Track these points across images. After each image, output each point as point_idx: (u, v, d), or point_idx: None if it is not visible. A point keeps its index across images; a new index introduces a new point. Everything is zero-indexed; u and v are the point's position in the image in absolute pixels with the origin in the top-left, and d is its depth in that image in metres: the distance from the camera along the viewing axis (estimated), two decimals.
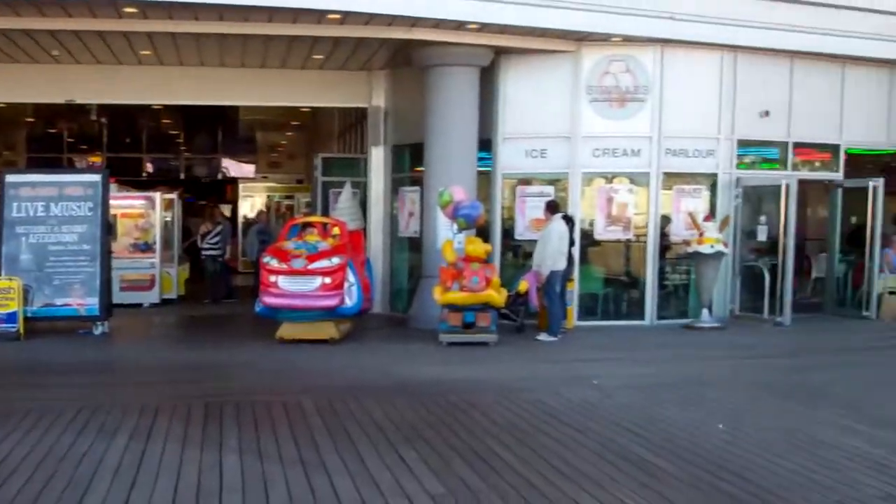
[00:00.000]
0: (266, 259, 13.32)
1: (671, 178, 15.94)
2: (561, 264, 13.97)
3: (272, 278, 13.05)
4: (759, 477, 6.64)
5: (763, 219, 16.50)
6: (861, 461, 7.07)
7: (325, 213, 17.21)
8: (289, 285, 13.00)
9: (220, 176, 33.65)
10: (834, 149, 17.32)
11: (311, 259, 13.14)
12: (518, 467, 6.91)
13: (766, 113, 16.33)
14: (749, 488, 6.38)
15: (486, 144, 15.65)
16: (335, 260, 13.17)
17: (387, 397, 9.46)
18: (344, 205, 16.64)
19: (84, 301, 14.18)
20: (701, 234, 15.01)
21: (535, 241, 15.42)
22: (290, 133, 31.65)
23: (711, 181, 16.18)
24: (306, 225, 14.68)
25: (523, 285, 14.12)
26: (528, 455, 7.26)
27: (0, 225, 14.24)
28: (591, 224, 15.70)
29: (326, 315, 13.16)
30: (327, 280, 13.00)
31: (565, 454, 7.30)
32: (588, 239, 15.62)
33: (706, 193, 16.16)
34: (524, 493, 6.29)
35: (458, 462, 7.06)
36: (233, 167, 33.70)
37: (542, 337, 13.85)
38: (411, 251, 17.02)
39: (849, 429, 8.17)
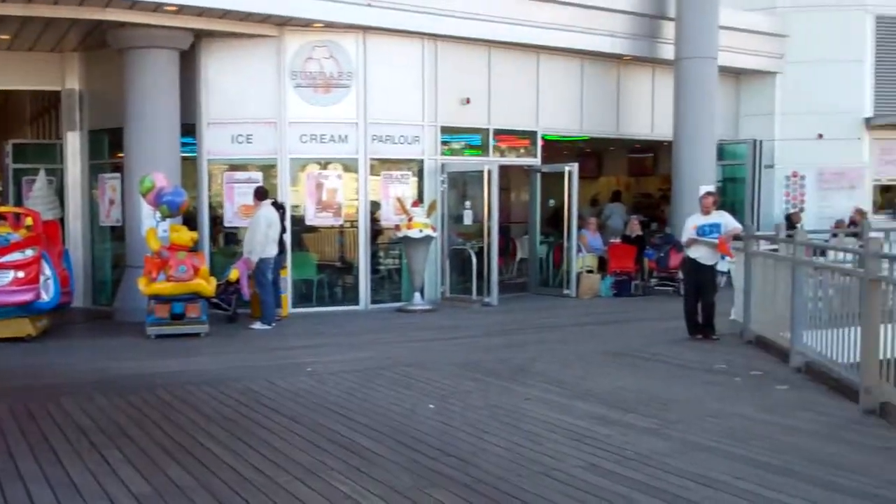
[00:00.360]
0: None
1: (379, 164, 16.15)
2: (271, 251, 13.81)
3: None
4: (469, 455, 6.82)
5: (468, 203, 17.06)
6: (564, 433, 7.41)
7: (18, 202, 16.12)
8: None
9: None
10: (532, 135, 18.18)
11: (3, 252, 12.29)
12: (230, 461, 6.75)
13: (467, 100, 16.87)
14: (459, 466, 6.53)
15: (190, 129, 15.21)
16: (28, 252, 12.41)
17: (89, 396, 8.98)
18: (38, 193, 15.72)
19: None
20: (410, 219, 15.30)
21: (245, 229, 15.22)
22: None
23: (418, 167, 16.53)
24: None
25: (234, 273, 13.86)
26: (240, 448, 7.11)
27: None
28: (302, 210, 15.60)
29: (21, 311, 12.33)
30: (20, 274, 12.20)
31: (278, 444, 7.20)
32: (300, 225, 15.55)
33: (413, 179, 16.50)
34: (236, 487, 6.15)
35: (165, 460, 6.81)
36: None
37: (256, 326, 13.65)
38: (114, 240, 16.28)
39: (552, 403, 8.54)
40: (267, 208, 14.00)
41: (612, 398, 8.72)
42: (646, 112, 20.29)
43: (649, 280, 17.86)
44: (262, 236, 13.67)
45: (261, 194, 14.23)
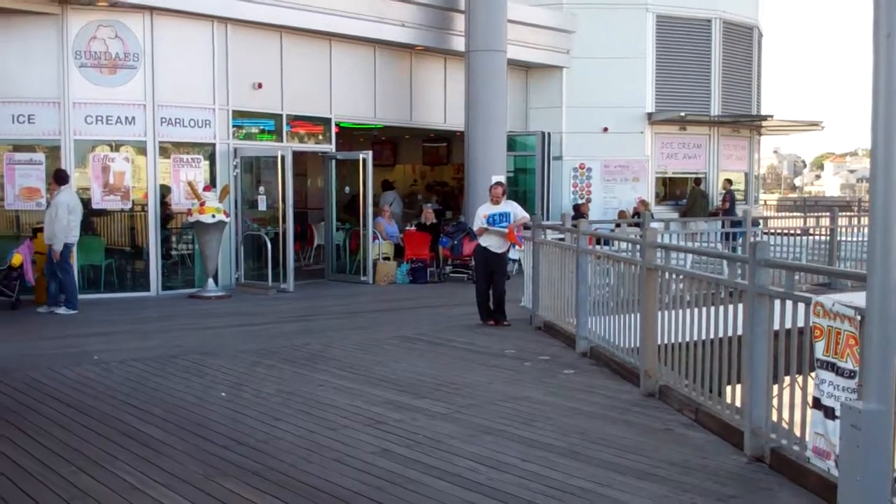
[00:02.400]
0: None
1: (171, 147, 15.76)
2: (74, 236, 13.40)
3: None
4: (262, 443, 6.79)
5: (262, 189, 16.89)
6: (358, 419, 7.47)
7: None
8: None
9: None
10: (326, 122, 18.18)
11: None
12: (9, 452, 6.49)
13: (259, 85, 16.72)
14: (250, 454, 6.50)
15: None
16: None
17: None
18: None
19: None
20: (202, 204, 15.01)
21: (27, 211, 14.65)
22: None
23: (209, 151, 16.23)
24: None
25: (17, 258, 13.30)
26: (19, 438, 6.84)
27: None
28: (87, 193, 15.05)
29: None
30: None
31: (61, 434, 6.97)
32: (86, 209, 14.99)
33: (205, 163, 16.20)
34: (15, 478, 5.92)
35: None
36: None
37: (61, 311, 13.27)
38: None
39: (346, 389, 8.60)
40: (67, 193, 13.46)
41: (406, 383, 8.86)
42: (438, 102, 20.64)
43: (444, 267, 18.19)
44: (66, 222, 13.14)
45: (61, 178, 13.64)
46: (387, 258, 18.25)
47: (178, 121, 15.69)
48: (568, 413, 7.76)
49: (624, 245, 10.96)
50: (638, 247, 9.10)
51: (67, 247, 13.33)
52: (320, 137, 18.25)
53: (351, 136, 21.91)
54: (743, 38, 24.57)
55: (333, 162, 18.42)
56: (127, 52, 15.13)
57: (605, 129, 22.35)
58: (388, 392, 8.48)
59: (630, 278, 9.18)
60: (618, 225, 19.24)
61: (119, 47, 15.10)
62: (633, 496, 5.68)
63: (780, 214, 30.41)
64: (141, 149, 15.45)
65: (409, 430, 7.12)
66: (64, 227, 13.21)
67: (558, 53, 22.16)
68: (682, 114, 22.58)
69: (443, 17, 19.39)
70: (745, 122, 24.88)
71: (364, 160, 17.82)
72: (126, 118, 15.20)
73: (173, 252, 16.19)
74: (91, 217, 15.15)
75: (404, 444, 6.77)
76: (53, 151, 14.91)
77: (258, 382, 8.87)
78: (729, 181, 23.62)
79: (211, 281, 15.34)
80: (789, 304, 6.09)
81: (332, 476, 6.02)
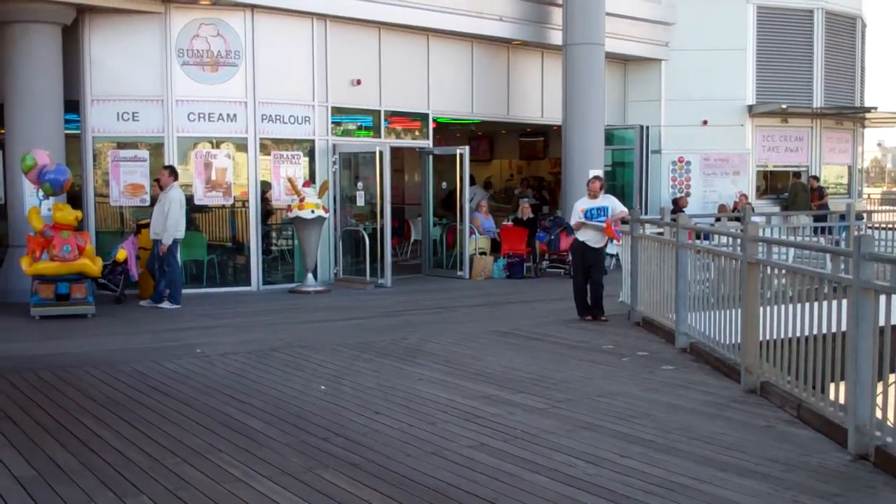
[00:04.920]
0: None
1: (270, 144, 16.00)
2: (182, 232, 13.69)
3: None
4: (361, 436, 6.83)
5: (360, 184, 17.04)
6: (455, 413, 7.48)
7: None
8: None
9: None
10: (423, 117, 18.24)
11: None
12: (116, 444, 6.65)
13: (358, 81, 16.84)
14: (349, 446, 6.55)
15: (74, 106, 14.84)
16: None
17: None
18: None
19: None
20: (301, 200, 15.20)
21: (131, 207, 15.02)
22: None
23: (309, 147, 16.43)
24: None
25: (121, 253, 13.62)
26: (126, 430, 7.01)
27: None
28: (191, 189, 15.35)
29: None
30: None
31: (167, 426, 7.12)
32: (189, 205, 15.29)
33: (304, 159, 16.39)
34: (122, 469, 6.07)
35: (49, 442, 6.67)
36: None
37: (165, 305, 13.56)
38: None
39: (443, 383, 8.62)
40: (177, 189, 13.79)
41: (502, 378, 8.84)
42: (535, 96, 20.54)
43: (541, 262, 18.10)
44: (177, 217, 13.47)
45: (172, 174, 13.95)
46: (483, 253, 18.24)
47: (278, 118, 15.92)
48: (667, 409, 7.66)
49: (724, 239, 10.76)
50: (739, 241, 8.93)
51: (175, 242, 13.62)
52: (417, 133, 18.33)
53: (447, 131, 21.96)
54: (846, 29, 23.91)
55: (430, 157, 18.48)
56: (228, 50, 15.41)
57: (705, 122, 21.98)
58: (485, 387, 8.47)
59: (731, 273, 9.01)
60: (717, 219, 18.91)
61: (221, 45, 15.38)
62: (736, 493, 5.58)
63: (884, 208, 29.55)
64: (242, 145, 15.72)
65: (506, 425, 7.10)
66: (175, 222, 13.49)
67: (657, 46, 21.86)
68: (784, 106, 22.07)
69: (540, 10, 19.29)
70: (849, 115, 24.22)
71: (461, 155, 17.82)
72: (228, 115, 15.48)
73: (273, 247, 16.43)
74: (193, 213, 15.45)
75: (501, 438, 6.76)
76: (157, 148, 15.25)
77: (357, 376, 8.95)
78: (815, 178, 23.02)
79: (310, 276, 15.54)
80: (895, 298, 5.92)
81: (430, 469, 6.03)
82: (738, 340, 8.57)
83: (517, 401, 7.91)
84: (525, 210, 19.41)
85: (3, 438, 6.73)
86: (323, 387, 8.46)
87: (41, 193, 12.73)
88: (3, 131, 14.69)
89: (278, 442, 6.70)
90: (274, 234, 16.43)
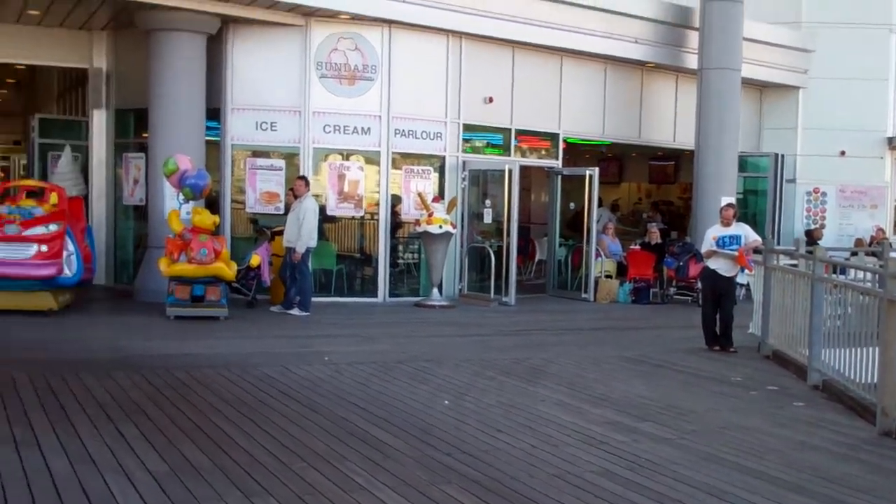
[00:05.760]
0: None
1: (401, 158, 16.19)
2: (314, 241, 13.97)
3: None
4: (483, 453, 6.83)
5: (488, 202, 17.09)
6: (579, 437, 7.41)
7: (44, 177, 16.22)
8: (1, 253, 12.16)
9: None
10: (553, 137, 18.22)
11: (26, 225, 12.42)
12: (244, 444, 6.80)
13: (490, 99, 16.92)
14: (472, 463, 6.56)
15: (215, 114, 15.32)
16: (52, 227, 12.52)
17: (108, 372, 9.06)
18: (64, 169, 15.76)
19: None
20: (430, 215, 15.33)
21: (267, 215, 15.35)
22: (4, 91, 29.57)
23: (439, 163, 16.57)
24: (23, 190, 13.82)
25: (255, 259, 13.98)
26: (255, 431, 7.16)
27: None
28: (323, 200, 15.64)
29: (44, 285, 12.46)
30: (44, 248, 12.31)
31: (293, 430, 7.25)
32: (321, 215, 15.60)
33: (435, 175, 16.54)
34: (250, 470, 6.19)
35: (181, 439, 6.86)
36: None
37: (294, 312, 13.83)
38: (137, 220, 16.39)
39: (567, 405, 8.56)
40: (311, 199, 14.11)
41: (627, 404, 8.74)
42: (668, 120, 20.30)
43: (668, 288, 17.83)
44: (311, 226, 13.77)
45: (307, 184, 14.25)
46: (609, 276, 18.08)
47: (410, 132, 16.12)
48: (797, 447, 7.44)
49: (861, 275, 10.43)
50: (878, 278, 8.64)
51: (308, 250, 13.90)
52: (543, 152, 18.30)
53: (576, 151, 21.87)
54: None
55: (559, 177, 18.42)
56: (365, 64, 15.68)
57: (842, 153, 21.34)
58: (610, 412, 8.39)
59: (869, 310, 8.72)
60: (854, 253, 18.32)
61: (358, 59, 15.66)
62: None
63: None
64: (374, 159, 15.95)
65: (631, 452, 7.00)
66: (309, 231, 13.77)
67: (795, 73, 21.35)
68: None
69: (676, 33, 19.06)
70: None
71: (590, 177, 17.71)
72: (362, 128, 15.74)
73: (400, 260, 16.61)
74: (324, 223, 15.74)
75: (626, 465, 6.67)
76: (292, 158, 15.61)
77: (480, 393, 8.96)
78: None
79: (436, 290, 15.65)
80: None
81: (553, 492, 5.99)
82: (875, 380, 8.28)
83: (642, 428, 7.80)
84: (653, 235, 19.16)
85: (139, 433, 6.96)
86: (447, 402, 8.50)
87: (181, 197, 13.16)
88: (147, 136, 15.24)
89: (402, 453, 6.75)
90: (401, 248, 16.61)
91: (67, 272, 12.57)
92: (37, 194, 13.64)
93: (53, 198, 13.25)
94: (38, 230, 12.40)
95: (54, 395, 8.11)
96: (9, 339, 10.99)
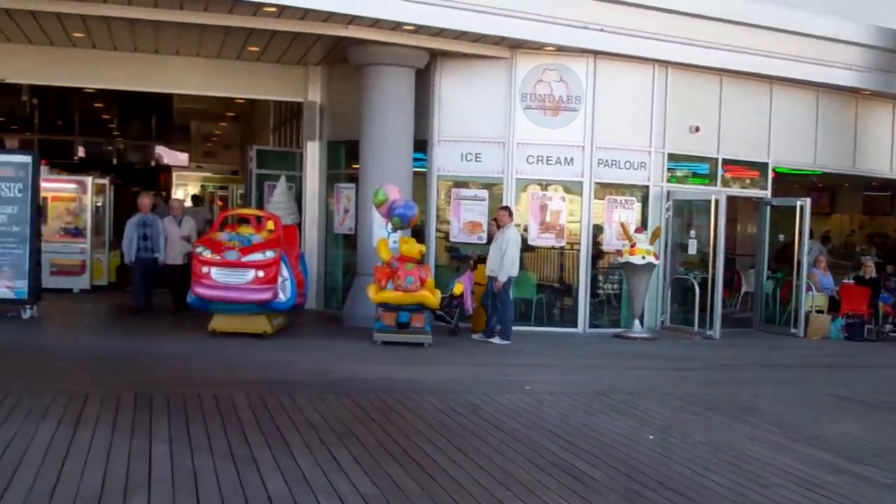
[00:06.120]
0: (199, 249, 13.17)
1: (603, 188, 16.13)
2: (516, 270, 14.09)
3: (204, 269, 12.88)
4: (690, 490, 6.71)
5: (693, 233, 16.78)
6: (789, 478, 7.18)
7: (260, 206, 17.05)
8: (221, 277, 12.86)
9: (153, 163, 33.20)
10: (762, 167, 17.73)
11: (245, 252, 13.02)
12: (450, 470, 6.92)
13: (696, 128, 16.65)
14: (680, 501, 6.45)
15: (421, 145, 15.73)
16: (269, 253, 13.07)
17: (319, 394, 9.42)
18: (279, 199, 16.47)
19: (12, 284, 13.92)
20: (632, 245, 15.19)
21: (470, 244, 15.56)
22: (224, 124, 31.36)
23: (643, 193, 16.41)
24: (240, 218, 14.57)
25: (458, 287, 14.20)
26: (460, 458, 7.28)
27: None
28: (525, 230, 15.75)
29: (259, 309, 13.06)
30: (261, 273, 12.89)
31: (497, 458, 7.32)
32: (522, 244, 15.72)
33: (638, 205, 16.38)
34: (456, 496, 6.30)
35: (390, 462, 7.05)
36: (166, 155, 33.28)
37: (495, 340, 13.96)
38: (346, 248, 16.98)
39: (776, 445, 8.30)
40: (514, 229, 14.30)
41: (841, 445, 8.38)
42: (885, 149, 19.45)
43: (884, 325, 16.99)
44: (513, 256, 13.92)
45: (511, 214, 14.46)
46: (820, 311, 17.38)
47: (613, 162, 16.05)
48: None
49: None
50: None
51: (510, 280, 14.03)
52: (747, 182, 17.83)
53: (785, 181, 21.17)
54: None
55: (768, 208, 17.89)
56: (570, 95, 15.75)
57: None
58: (822, 453, 8.07)
59: None
60: None
61: (563, 90, 15.74)
62: None
63: None
64: (576, 189, 15.96)
65: (846, 496, 6.73)
66: (511, 260, 13.90)
67: None
68: None
69: (892, 59, 18.21)
70: None
71: (802, 207, 17.12)
72: (565, 159, 15.79)
73: (601, 291, 16.51)
74: (524, 252, 15.84)
75: None
76: (494, 188, 15.81)
77: (685, 428, 8.81)
78: None
79: (637, 322, 15.47)
80: None
81: None
82: None
83: (859, 472, 7.47)
84: (868, 268, 18.31)
85: (350, 455, 7.19)
86: (651, 436, 8.39)
87: (390, 227, 13.55)
88: (357, 167, 15.79)
89: (605, 486, 6.72)
90: (601, 278, 16.50)
91: (282, 297, 13.14)
92: (248, 222, 14.33)
93: (270, 225, 13.88)
94: (256, 256, 13.00)
95: (270, 414, 8.48)
96: (227, 361, 11.57)
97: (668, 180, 16.66)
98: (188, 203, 22.87)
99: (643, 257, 15.12)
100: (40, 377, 10.23)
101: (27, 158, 14.51)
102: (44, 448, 6.99)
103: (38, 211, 14.73)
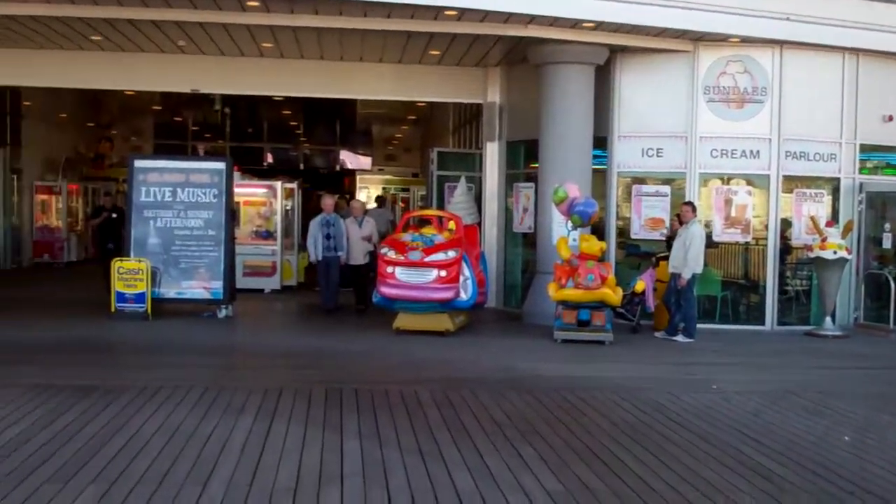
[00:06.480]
0: (384, 250, 13.52)
1: (791, 181, 15.63)
2: (700, 267, 13.87)
3: (389, 269, 13.25)
4: (891, 494, 6.45)
5: (888, 226, 16.03)
6: None
7: (441, 207, 17.32)
8: (405, 276, 13.19)
9: (337, 167, 34.27)
10: None
11: (428, 252, 13.28)
12: (637, 469, 6.87)
13: (890, 117, 15.91)
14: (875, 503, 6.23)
15: (600, 142, 15.61)
16: (451, 253, 13.28)
17: (502, 392, 9.52)
18: (459, 199, 16.67)
19: (209, 285, 14.68)
20: (823, 240, 14.66)
21: (651, 241, 15.40)
22: (405, 127, 32.05)
23: (833, 185, 15.83)
24: (422, 219, 14.86)
25: (640, 285, 14.05)
26: (646, 457, 7.21)
27: (129, 208, 14.82)
28: (709, 226, 15.42)
29: (442, 307, 13.31)
30: (443, 273, 13.13)
31: (685, 458, 7.22)
32: (706, 241, 15.40)
33: (828, 198, 15.81)
34: (644, 496, 6.25)
35: (575, 461, 7.06)
36: (350, 159, 34.29)
37: (679, 338, 13.79)
38: (525, 246, 17.04)
39: None
40: (698, 225, 14.06)
41: None
42: None
43: None
44: (698, 253, 13.71)
45: (694, 210, 14.22)
46: None
47: (801, 154, 15.53)
48: None
49: None
50: None
51: (695, 277, 13.79)
52: None
53: None
54: None
55: None
56: (755, 87, 15.33)
57: None
58: None
59: None
60: None
61: (747, 82, 15.35)
62: None
63: None
64: (762, 183, 15.52)
65: None
66: (695, 257, 13.67)
67: None
68: None
69: None
70: None
71: None
72: (750, 152, 15.38)
73: (788, 287, 16.00)
74: (707, 248, 15.50)
75: None
76: (676, 184, 15.56)
77: (883, 429, 8.47)
78: None
79: (828, 319, 14.90)
80: None
81: None
82: None
83: None
84: None
85: (535, 453, 7.24)
86: (846, 437, 8.09)
87: (570, 224, 13.54)
88: (535, 166, 15.84)
89: (798, 488, 6.53)
90: (789, 274, 15.99)
91: (463, 296, 13.34)
92: (430, 223, 14.59)
93: (451, 225, 14.12)
94: (438, 256, 13.24)
95: (454, 411, 8.63)
96: (412, 358, 11.84)
97: (860, 172, 15.99)
98: (371, 205, 23.45)
99: (834, 252, 14.56)
100: (237, 373, 10.81)
101: (221, 165, 15.24)
102: (242, 440, 7.35)
103: (232, 215, 15.44)
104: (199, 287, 14.68)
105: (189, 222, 14.73)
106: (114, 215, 17.49)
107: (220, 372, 10.74)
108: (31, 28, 15.18)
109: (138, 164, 15.14)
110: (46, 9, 13.76)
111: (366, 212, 17.37)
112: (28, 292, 18.94)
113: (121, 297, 14.14)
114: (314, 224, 15.75)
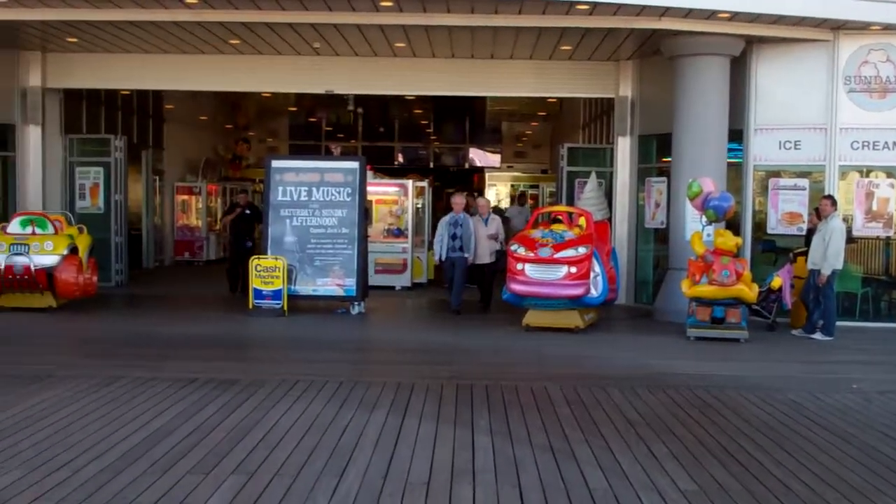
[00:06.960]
0: (513, 247, 13.54)
1: None
2: (841, 263, 13.46)
3: (519, 266, 13.26)
4: None
5: None
6: None
7: (570, 202, 17.26)
8: (535, 273, 13.17)
9: (466, 165, 34.47)
10: None
11: (558, 248, 13.24)
12: (773, 470, 6.73)
13: None
14: None
15: (735, 135, 15.30)
16: (581, 250, 13.21)
17: (633, 389, 9.44)
18: (589, 195, 16.54)
19: (343, 282, 14.95)
20: None
21: (788, 236, 15.00)
22: (535, 123, 31.99)
23: None
24: (552, 215, 14.82)
25: (777, 281, 13.72)
26: (784, 458, 7.05)
27: (266, 207, 15.23)
28: (849, 220, 14.93)
29: (571, 304, 13.25)
30: (573, 269, 13.06)
31: (824, 459, 7.03)
32: (847, 236, 14.91)
33: None
34: (783, 497, 6.11)
35: (709, 459, 6.95)
36: (479, 157, 34.44)
37: (817, 336, 13.43)
38: (657, 242, 16.84)
39: None
40: (839, 219, 13.66)
41: None
42: None
43: None
44: (838, 248, 13.33)
45: (834, 204, 13.80)
46: None
47: None
48: None
49: None
50: None
51: (835, 273, 13.39)
52: None
53: None
54: None
55: None
56: None
57: None
58: None
59: None
60: None
61: (890, 71, 14.82)
62: None
63: None
64: None
65: None
66: (835, 252, 13.28)
67: None
68: None
69: None
70: None
71: None
72: (893, 143, 14.84)
73: None
74: (848, 244, 15.01)
75: None
76: (813, 177, 15.13)
77: None
78: None
79: None
80: None
81: None
82: None
83: None
84: None
85: (668, 451, 7.15)
86: None
87: (704, 219, 13.32)
88: (668, 160, 15.62)
89: None
90: None
91: (593, 292, 13.25)
92: (560, 219, 14.51)
93: (581, 222, 14.04)
94: (569, 253, 13.18)
95: (585, 408, 8.60)
96: (542, 355, 11.86)
97: None
98: (504, 204, 23.50)
99: None
100: (370, 368, 11.01)
101: (355, 164, 15.51)
102: (376, 435, 7.49)
103: (365, 213, 15.70)
104: (334, 284, 14.98)
105: (324, 221, 15.04)
106: (247, 212, 17.98)
107: (353, 367, 10.98)
108: (173, 34, 15.78)
109: (275, 164, 15.53)
110: (189, 14, 14.29)
111: (494, 210, 17.37)
112: (170, 289, 19.65)
113: (258, 294, 14.54)
114: (442, 224, 15.80)
